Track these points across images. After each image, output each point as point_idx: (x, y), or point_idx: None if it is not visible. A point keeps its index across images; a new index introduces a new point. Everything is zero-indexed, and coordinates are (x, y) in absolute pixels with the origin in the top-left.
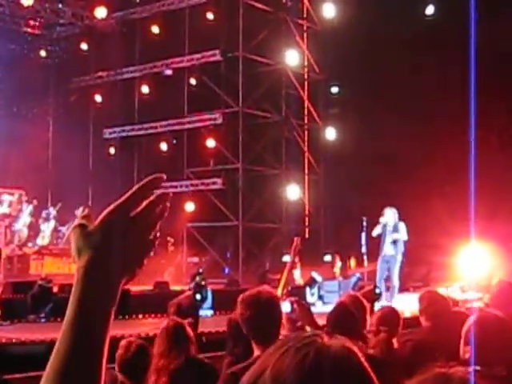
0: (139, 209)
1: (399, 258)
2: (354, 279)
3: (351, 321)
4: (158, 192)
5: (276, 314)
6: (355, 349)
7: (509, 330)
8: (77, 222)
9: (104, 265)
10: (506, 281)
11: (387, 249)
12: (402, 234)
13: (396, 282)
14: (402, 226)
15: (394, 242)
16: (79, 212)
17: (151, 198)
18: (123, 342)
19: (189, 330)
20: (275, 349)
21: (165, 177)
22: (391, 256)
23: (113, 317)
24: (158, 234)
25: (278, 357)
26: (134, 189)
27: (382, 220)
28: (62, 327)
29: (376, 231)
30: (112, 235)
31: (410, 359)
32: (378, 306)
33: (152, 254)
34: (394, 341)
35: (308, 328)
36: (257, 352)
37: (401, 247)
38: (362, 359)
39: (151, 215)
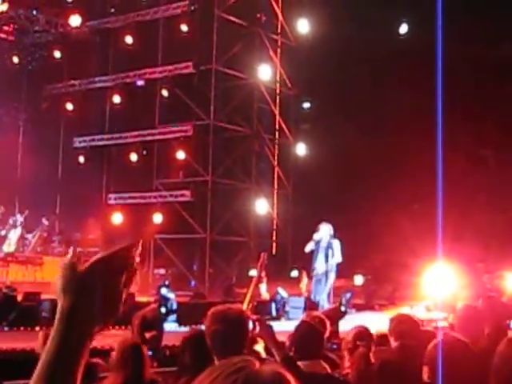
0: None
1: (331, 276)
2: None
3: (318, 342)
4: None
5: (242, 333)
6: (287, 375)
7: (471, 355)
8: (69, 259)
9: (83, 312)
10: (470, 305)
11: (319, 267)
12: (336, 256)
13: (321, 300)
14: (336, 244)
15: (327, 260)
16: (44, 221)
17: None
18: None
19: (145, 351)
20: (207, 375)
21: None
22: (322, 275)
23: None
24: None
25: (208, 383)
26: (120, 246)
27: (316, 236)
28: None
29: (309, 247)
30: (97, 282)
31: (377, 378)
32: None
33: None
34: (371, 356)
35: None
36: None
37: (333, 267)
38: None
39: (128, 274)
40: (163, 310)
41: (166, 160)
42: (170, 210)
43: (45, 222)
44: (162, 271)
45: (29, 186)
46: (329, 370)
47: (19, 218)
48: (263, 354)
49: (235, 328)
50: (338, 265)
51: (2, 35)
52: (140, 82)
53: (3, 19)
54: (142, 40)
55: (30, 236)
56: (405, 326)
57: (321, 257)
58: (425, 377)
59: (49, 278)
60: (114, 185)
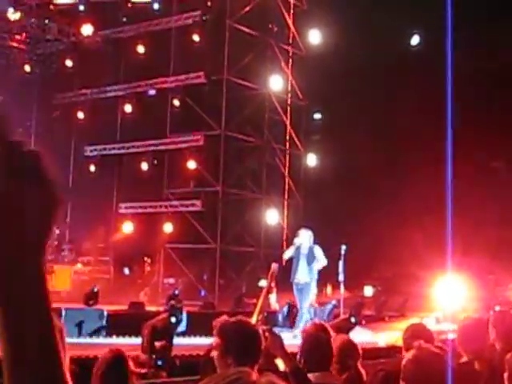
0: None
1: (313, 285)
2: (329, 306)
3: (325, 352)
4: None
5: (257, 345)
6: None
7: (442, 368)
8: None
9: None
10: (471, 317)
11: (301, 276)
12: (322, 260)
13: (304, 309)
14: (317, 249)
15: (310, 268)
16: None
17: None
18: None
19: (130, 363)
20: None
21: None
22: (305, 284)
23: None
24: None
25: None
26: None
27: (296, 241)
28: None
29: (288, 254)
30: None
31: None
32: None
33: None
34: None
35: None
36: None
37: (315, 274)
38: None
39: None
40: (173, 319)
41: (177, 170)
42: (181, 219)
43: (55, 230)
44: (172, 281)
45: None
46: (339, 381)
47: None
48: (281, 368)
49: (249, 340)
50: (346, 275)
51: (15, 44)
52: (151, 92)
53: (16, 28)
54: (153, 50)
55: None
56: (416, 339)
57: (302, 264)
58: None
59: (59, 286)
60: (124, 194)
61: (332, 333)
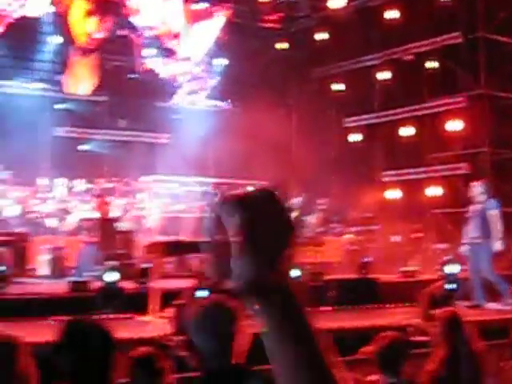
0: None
1: None
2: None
3: None
4: None
5: None
6: None
7: None
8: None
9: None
10: None
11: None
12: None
13: None
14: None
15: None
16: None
17: None
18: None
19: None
20: None
21: None
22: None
23: None
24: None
25: None
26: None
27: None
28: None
29: None
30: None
31: None
32: None
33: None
34: None
35: None
36: None
37: None
38: None
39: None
40: (449, 286)
41: (438, 133)
42: (447, 183)
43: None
44: (443, 246)
45: (303, 169)
46: None
47: (296, 202)
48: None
49: None
50: None
51: (268, 24)
52: (408, 57)
53: (266, 9)
54: (405, 14)
55: (308, 218)
56: None
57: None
58: None
59: (330, 257)
60: (386, 162)
61: None
